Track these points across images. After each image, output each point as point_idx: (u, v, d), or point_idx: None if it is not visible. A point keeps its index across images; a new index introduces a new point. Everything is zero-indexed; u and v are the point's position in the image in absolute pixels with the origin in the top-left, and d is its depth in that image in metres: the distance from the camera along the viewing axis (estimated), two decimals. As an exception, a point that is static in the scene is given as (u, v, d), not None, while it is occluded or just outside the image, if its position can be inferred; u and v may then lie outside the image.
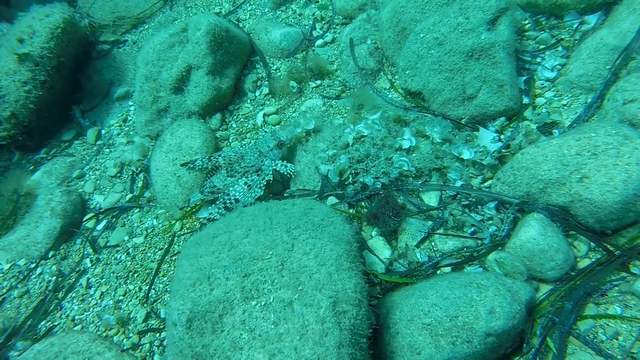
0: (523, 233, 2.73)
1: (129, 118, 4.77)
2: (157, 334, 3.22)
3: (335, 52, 4.48)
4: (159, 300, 3.39)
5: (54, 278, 3.72)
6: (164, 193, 3.88)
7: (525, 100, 3.46)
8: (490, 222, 2.97)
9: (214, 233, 2.74)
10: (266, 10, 5.00)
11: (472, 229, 2.96)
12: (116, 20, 5.43)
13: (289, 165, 3.48)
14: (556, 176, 2.75)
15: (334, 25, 4.69)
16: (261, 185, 3.42)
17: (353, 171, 3.24)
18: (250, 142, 4.03)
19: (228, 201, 3.49)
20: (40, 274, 3.80)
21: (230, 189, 3.52)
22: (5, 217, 4.21)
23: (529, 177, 2.85)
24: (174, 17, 5.28)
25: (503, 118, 3.40)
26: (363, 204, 3.23)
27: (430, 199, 3.14)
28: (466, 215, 3.00)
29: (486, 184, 3.17)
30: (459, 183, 3.15)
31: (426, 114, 3.61)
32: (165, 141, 4.03)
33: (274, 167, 3.45)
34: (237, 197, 3.48)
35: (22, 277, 3.76)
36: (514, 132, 3.30)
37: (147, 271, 3.56)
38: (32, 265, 3.80)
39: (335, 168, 3.19)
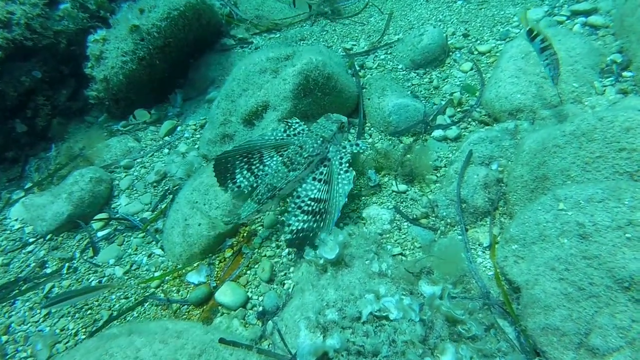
0: None
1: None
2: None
3: (450, 155, 3.20)
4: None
5: (33, 265, 3.41)
6: (168, 233, 3.21)
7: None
8: None
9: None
10: (400, 66, 3.90)
11: None
12: (255, 18, 4.90)
13: (360, 142, 3.03)
14: None
15: (469, 119, 3.38)
16: (349, 178, 2.76)
17: (344, 362, 2.07)
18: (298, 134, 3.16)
19: (304, 205, 2.77)
20: (30, 252, 3.53)
21: (299, 189, 2.83)
22: (52, 172, 4.09)
23: None
24: (303, 35, 4.53)
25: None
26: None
27: None
28: None
29: None
30: None
31: (505, 331, 2.19)
32: (200, 176, 3.34)
33: (348, 152, 2.94)
34: (313, 197, 2.78)
35: (18, 246, 3.57)
36: None
37: (95, 316, 2.94)
38: (31, 240, 3.60)
39: (314, 349, 2.06)
